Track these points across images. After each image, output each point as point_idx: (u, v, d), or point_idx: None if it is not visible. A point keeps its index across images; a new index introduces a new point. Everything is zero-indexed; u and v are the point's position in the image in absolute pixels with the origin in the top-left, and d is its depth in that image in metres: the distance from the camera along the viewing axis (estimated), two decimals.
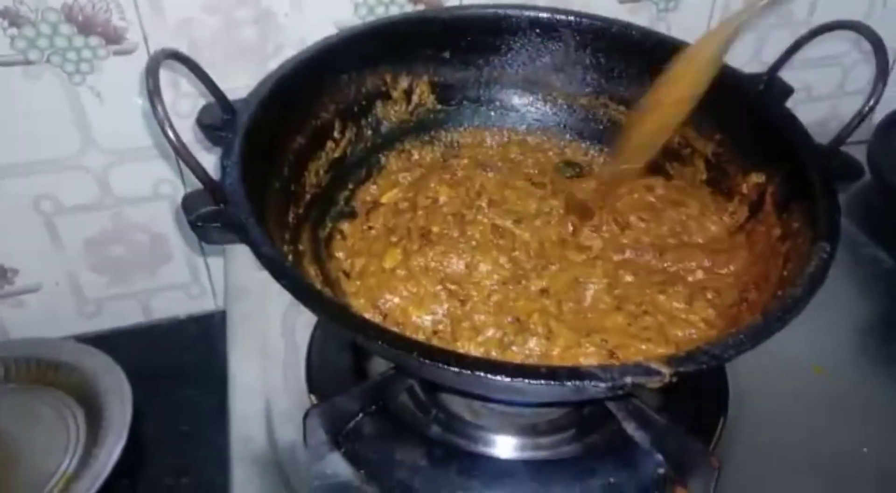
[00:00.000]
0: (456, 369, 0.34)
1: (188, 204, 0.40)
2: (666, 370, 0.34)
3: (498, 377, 0.33)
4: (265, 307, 0.59)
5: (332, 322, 0.36)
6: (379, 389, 0.48)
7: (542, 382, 0.33)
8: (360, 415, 0.48)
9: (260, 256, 0.38)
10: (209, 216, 0.40)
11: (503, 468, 0.48)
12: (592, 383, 0.33)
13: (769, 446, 0.51)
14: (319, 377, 0.53)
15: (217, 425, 0.61)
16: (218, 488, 0.59)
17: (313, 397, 0.52)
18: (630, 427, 0.48)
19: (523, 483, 0.47)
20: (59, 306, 0.76)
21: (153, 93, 0.37)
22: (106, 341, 0.75)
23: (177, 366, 0.75)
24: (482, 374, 0.33)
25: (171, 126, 0.38)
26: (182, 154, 0.39)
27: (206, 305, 0.82)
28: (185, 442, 0.69)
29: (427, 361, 0.34)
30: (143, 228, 0.74)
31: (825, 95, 0.90)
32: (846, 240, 0.67)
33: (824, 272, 0.39)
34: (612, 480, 0.46)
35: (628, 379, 0.33)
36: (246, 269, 0.64)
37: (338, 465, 0.47)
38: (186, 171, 0.70)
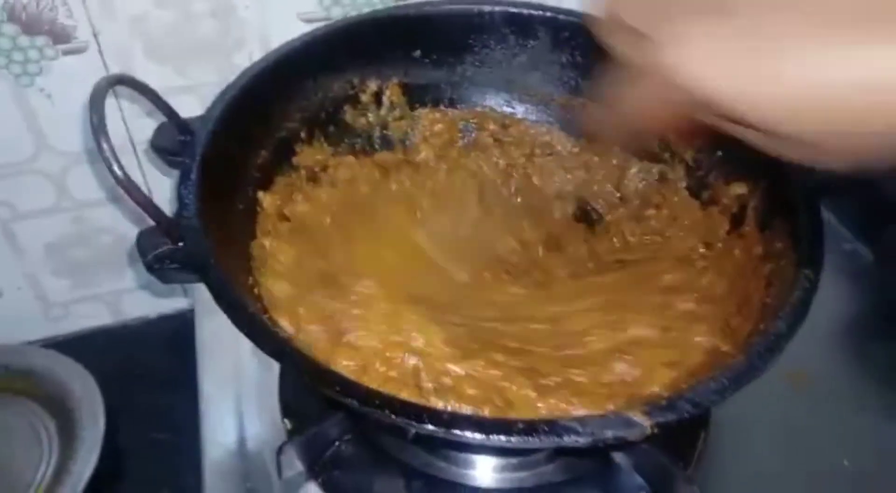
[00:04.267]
0: (431, 427, 0.32)
1: (142, 243, 0.38)
2: (646, 422, 0.33)
3: (474, 435, 0.32)
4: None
5: (296, 374, 0.34)
6: (356, 416, 0.47)
7: (519, 438, 0.32)
8: (337, 444, 0.47)
9: (219, 301, 0.36)
10: (165, 257, 0.38)
11: None
12: (572, 437, 0.32)
13: (750, 458, 0.51)
14: (293, 400, 0.52)
15: (192, 429, 0.60)
16: None
17: (287, 422, 0.50)
18: (611, 450, 0.47)
19: None
20: (24, 311, 0.74)
21: (98, 130, 0.35)
22: (75, 345, 0.73)
23: (149, 367, 0.74)
24: (458, 431, 0.32)
25: (121, 166, 0.35)
26: (131, 193, 0.36)
27: (177, 303, 0.80)
28: (160, 449, 0.68)
29: (401, 419, 0.32)
30: (106, 229, 0.71)
31: None
32: (826, 234, 0.67)
33: (808, 304, 0.38)
34: None
35: (609, 433, 0.32)
36: None
37: None
38: (148, 169, 0.67)
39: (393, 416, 0.32)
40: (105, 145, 0.34)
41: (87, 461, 0.60)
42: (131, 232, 0.72)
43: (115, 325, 0.79)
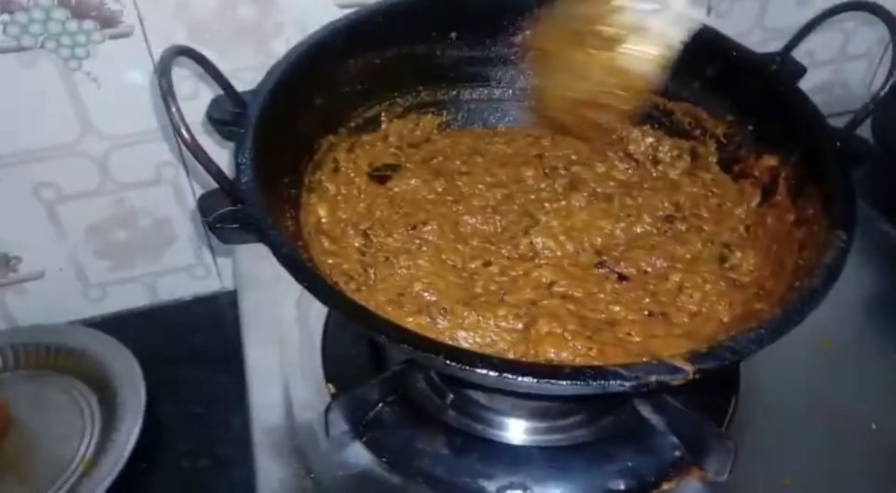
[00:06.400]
0: (482, 372, 0.34)
1: (205, 205, 0.40)
2: (688, 368, 0.34)
3: (525, 379, 0.34)
4: (278, 295, 0.59)
5: (352, 322, 0.36)
6: (397, 379, 0.49)
7: (567, 382, 0.34)
8: (380, 405, 0.49)
9: (279, 257, 0.38)
10: (227, 217, 0.39)
11: (522, 455, 0.48)
12: (617, 382, 0.34)
13: (780, 423, 0.52)
14: (336, 366, 0.54)
15: (230, 404, 0.62)
16: (237, 466, 0.60)
17: (331, 387, 0.52)
18: (646, 411, 0.49)
19: (542, 469, 0.47)
20: (65, 291, 0.76)
21: (167, 94, 0.37)
22: (113, 325, 0.75)
23: (185, 347, 0.76)
24: (509, 376, 0.34)
25: (188, 129, 0.37)
26: (198, 156, 0.38)
27: (212, 285, 0.82)
28: (199, 423, 0.69)
29: (453, 363, 0.34)
30: (146, 212, 0.73)
31: (828, 60, 0.89)
32: (860, 217, 0.68)
33: (842, 262, 0.40)
34: (629, 464, 0.47)
35: (652, 378, 0.34)
36: (256, 257, 0.63)
37: (359, 454, 0.48)
38: (188, 154, 0.69)
39: (447, 362, 0.34)
40: (174, 109, 0.36)
41: (129, 434, 0.62)
42: (170, 215, 0.74)
43: (152, 306, 0.80)
